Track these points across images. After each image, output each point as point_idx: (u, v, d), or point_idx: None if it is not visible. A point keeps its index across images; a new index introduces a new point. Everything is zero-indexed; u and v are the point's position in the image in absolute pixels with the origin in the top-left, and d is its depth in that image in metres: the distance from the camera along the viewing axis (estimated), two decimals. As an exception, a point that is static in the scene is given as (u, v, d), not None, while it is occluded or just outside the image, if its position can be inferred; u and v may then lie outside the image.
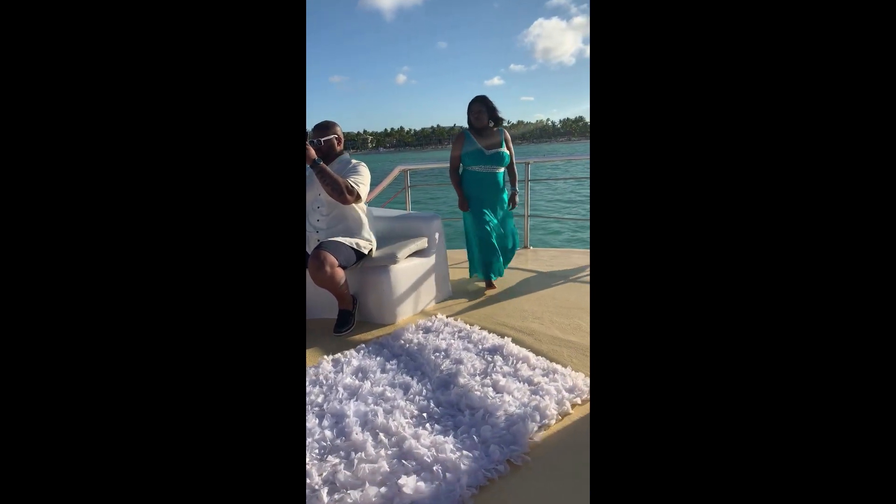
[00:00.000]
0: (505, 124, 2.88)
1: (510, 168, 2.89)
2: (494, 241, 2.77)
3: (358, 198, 2.23)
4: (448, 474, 1.19)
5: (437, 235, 2.66)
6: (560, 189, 14.97)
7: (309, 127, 2.47)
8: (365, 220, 2.36)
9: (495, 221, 2.81)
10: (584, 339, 2.01)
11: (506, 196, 2.88)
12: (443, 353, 1.89)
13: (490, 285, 2.81)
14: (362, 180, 2.26)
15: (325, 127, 2.37)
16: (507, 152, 2.80)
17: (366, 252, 2.30)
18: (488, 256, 2.76)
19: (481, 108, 2.75)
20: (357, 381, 1.69)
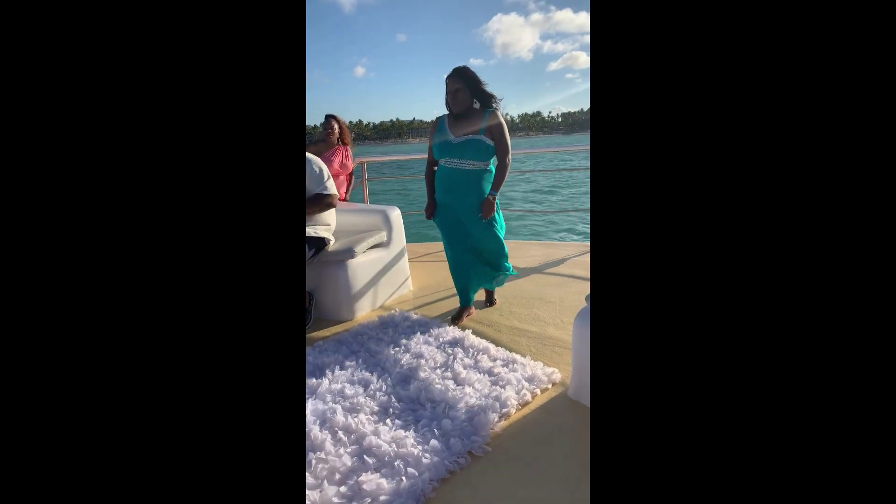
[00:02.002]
0: (496, 104, 2.04)
1: (499, 164, 2.05)
2: (467, 260, 2.16)
3: (334, 198, 2.24)
4: (409, 469, 1.17)
5: (395, 228, 2.63)
6: (532, 182, 15.19)
7: None
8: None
9: (468, 233, 2.12)
10: (543, 328, 2.05)
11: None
12: (402, 347, 1.87)
13: (463, 312, 2.21)
14: (329, 183, 2.21)
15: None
16: (487, 141, 1.98)
17: (324, 236, 2.24)
18: (461, 280, 2.20)
19: (458, 86, 1.96)
20: (314, 380, 1.65)
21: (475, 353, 1.79)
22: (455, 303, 2.35)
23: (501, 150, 2.03)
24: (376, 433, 1.33)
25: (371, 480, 1.15)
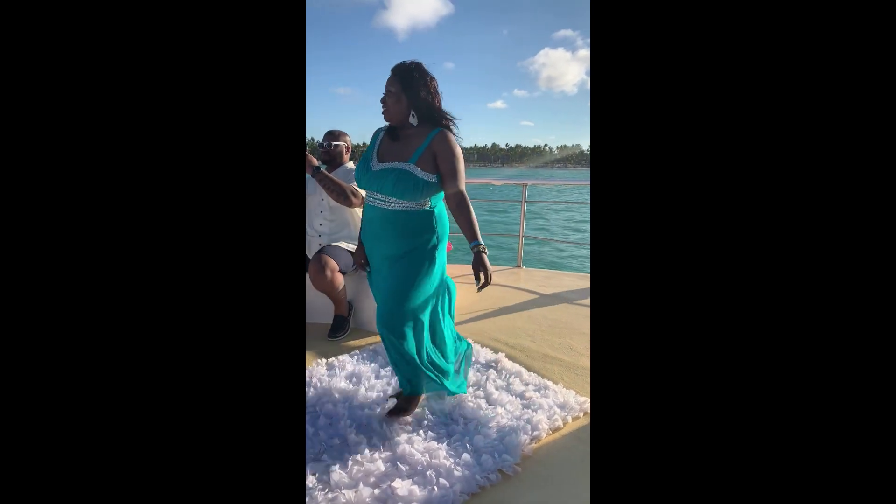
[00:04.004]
0: (448, 124, 1.41)
1: (456, 207, 1.36)
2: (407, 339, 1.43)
3: (363, 200, 2.27)
4: (441, 479, 1.21)
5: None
6: (559, 213, 15.19)
7: (320, 135, 2.52)
8: None
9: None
10: (575, 358, 2.05)
11: (413, 254, 1.41)
12: (436, 363, 1.92)
13: (407, 403, 1.53)
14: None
15: (336, 135, 2.43)
16: (419, 172, 1.34)
17: None
18: (393, 358, 1.48)
19: (391, 89, 1.38)
20: (351, 386, 1.71)
21: (508, 376, 1.81)
22: (491, 327, 2.38)
23: (448, 182, 1.36)
24: (410, 442, 1.37)
25: (403, 486, 1.18)
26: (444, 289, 1.54)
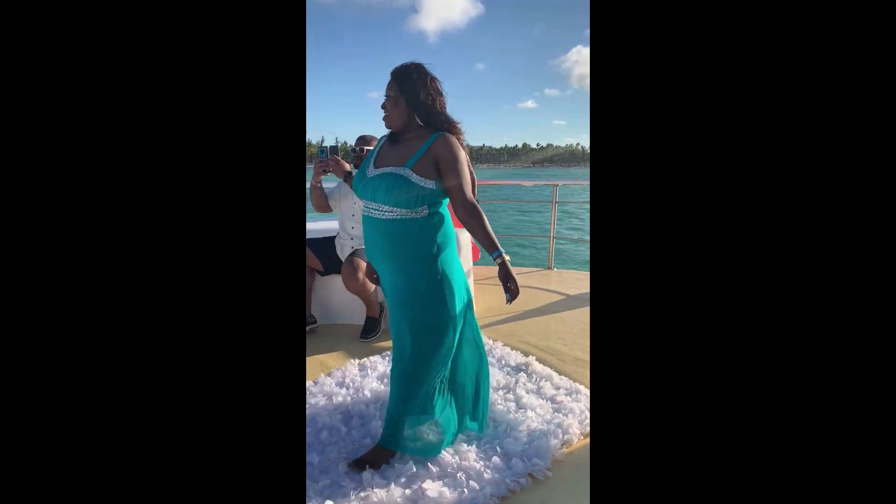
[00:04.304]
0: (451, 127, 1.31)
1: (467, 217, 1.26)
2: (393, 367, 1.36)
3: None
4: (471, 482, 1.21)
5: (464, 250, 2.71)
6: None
7: (352, 139, 2.58)
8: None
9: (393, 320, 1.36)
10: (608, 362, 2.02)
11: (411, 268, 1.29)
12: (466, 365, 1.92)
13: (376, 456, 1.32)
14: None
15: (368, 139, 2.48)
16: (414, 177, 1.24)
17: None
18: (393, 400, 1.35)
19: (390, 93, 1.30)
20: (383, 387, 1.74)
21: (538, 380, 1.80)
22: (522, 330, 2.36)
23: (454, 190, 1.25)
24: (440, 444, 1.38)
25: (434, 488, 1.20)
26: (468, 311, 1.38)
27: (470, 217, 1.25)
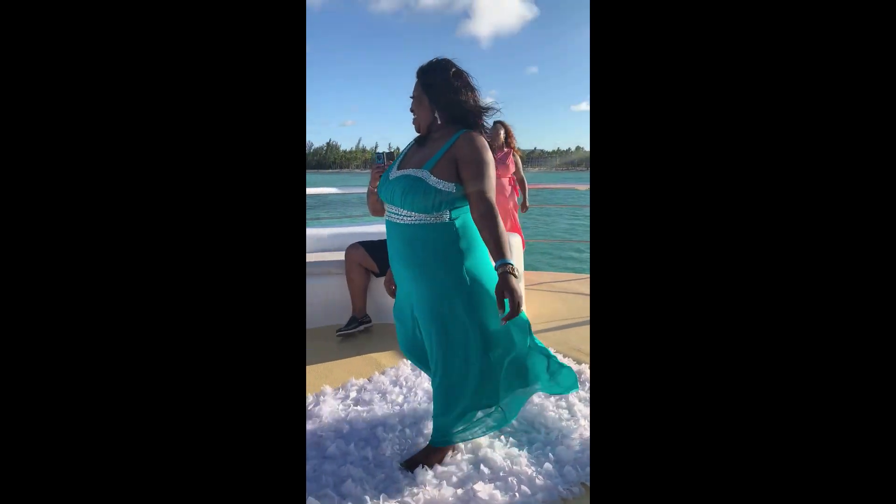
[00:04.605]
0: (479, 123, 1.24)
1: (479, 218, 1.17)
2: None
3: None
4: (523, 487, 1.22)
5: (515, 255, 2.70)
6: None
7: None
8: None
9: (408, 327, 1.37)
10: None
11: (449, 282, 1.21)
12: (518, 370, 1.92)
13: (429, 456, 1.33)
14: None
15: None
16: (431, 180, 1.17)
17: None
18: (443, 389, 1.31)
19: (415, 93, 1.27)
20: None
21: (590, 388, 1.77)
22: (574, 337, 2.33)
23: (471, 190, 1.17)
24: (491, 446, 1.39)
25: (485, 490, 1.21)
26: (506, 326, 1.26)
27: (484, 219, 1.15)
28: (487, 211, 1.15)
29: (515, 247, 2.73)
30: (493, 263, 1.14)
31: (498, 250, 1.12)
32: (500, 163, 3.22)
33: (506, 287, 1.09)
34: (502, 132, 3.27)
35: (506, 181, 3.24)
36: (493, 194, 1.18)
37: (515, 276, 1.10)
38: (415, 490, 1.22)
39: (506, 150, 3.26)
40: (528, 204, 3.44)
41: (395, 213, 1.23)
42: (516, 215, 3.30)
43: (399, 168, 1.26)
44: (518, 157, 3.29)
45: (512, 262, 1.11)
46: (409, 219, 1.21)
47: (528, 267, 3.02)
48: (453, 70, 1.23)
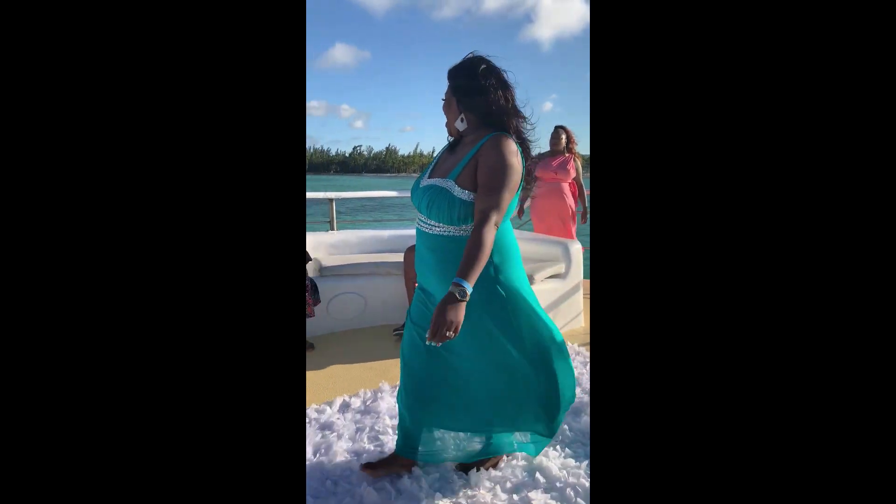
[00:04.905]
0: (512, 124, 1.14)
1: (474, 240, 1.04)
2: (421, 378, 1.25)
3: None
4: (579, 500, 1.19)
5: (574, 262, 2.65)
6: None
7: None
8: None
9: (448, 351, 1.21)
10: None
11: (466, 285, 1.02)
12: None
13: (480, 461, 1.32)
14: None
15: None
16: (455, 190, 1.11)
17: None
18: (408, 404, 1.28)
19: (445, 94, 1.20)
20: (489, 392, 1.77)
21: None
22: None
23: (478, 199, 1.08)
24: (546, 455, 1.37)
25: (540, 499, 1.20)
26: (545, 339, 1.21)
27: (472, 234, 1.04)
28: (482, 222, 1.04)
29: (575, 252, 2.67)
30: (456, 278, 1.01)
31: (465, 267, 1.01)
32: (561, 168, 3.17)
33: (443, 309, 0.99)
34: (563, 136, 3.22)
35: (566, 186, 3.19)
36: (499, 211, 1.06)
37: (459, 300, 0.99)
38: (469, 492, 1.23)
39: (567, 154, 3.21)
40: (587, 213, 3.34)
41: (423, 223, 1.18)
42: (573, 222, 3.22)
43: (430, 176, 1.19)
44: (579, 163, 3.22)
45: (469, 288, 1.00)
46: (436, 229, 1.15)
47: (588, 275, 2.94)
48: (483, 67, 1.12)
